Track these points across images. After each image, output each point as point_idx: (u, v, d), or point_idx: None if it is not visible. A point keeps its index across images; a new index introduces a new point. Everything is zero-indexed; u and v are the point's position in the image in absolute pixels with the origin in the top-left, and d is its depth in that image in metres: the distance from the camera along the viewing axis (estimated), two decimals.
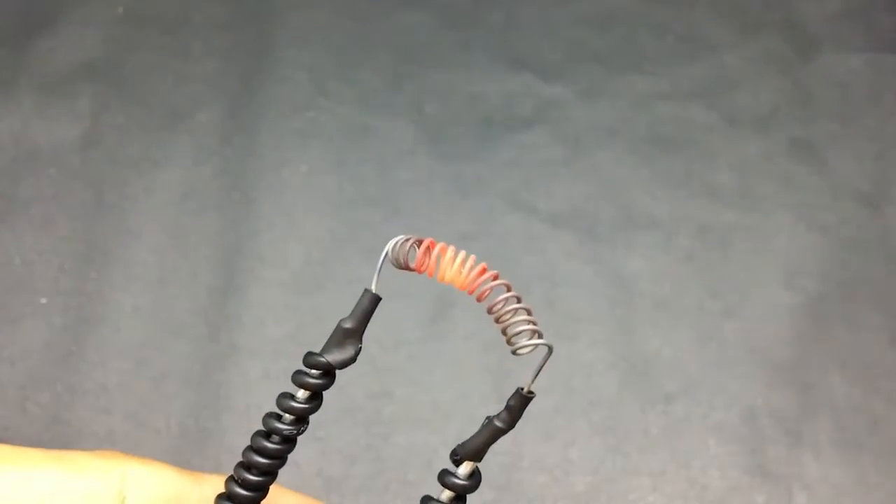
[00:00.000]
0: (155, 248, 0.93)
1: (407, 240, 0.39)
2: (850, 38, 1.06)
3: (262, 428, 0.42)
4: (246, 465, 0.42)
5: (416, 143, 1.00)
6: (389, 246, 0.38)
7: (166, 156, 0.98)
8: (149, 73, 1.03)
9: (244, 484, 0.41)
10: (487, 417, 0.40)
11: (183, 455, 0.83)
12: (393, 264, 0.39)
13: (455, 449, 0.41)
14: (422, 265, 0.39)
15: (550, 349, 0.38)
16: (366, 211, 0.95)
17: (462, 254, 0.38)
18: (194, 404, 0.85)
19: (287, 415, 0.41)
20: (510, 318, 0.38)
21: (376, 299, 0.40)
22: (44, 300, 0.90)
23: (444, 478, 0.41)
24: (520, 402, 0.40)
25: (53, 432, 0.83)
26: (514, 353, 0.39)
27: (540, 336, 0.38)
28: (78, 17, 1.06)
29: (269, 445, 0.42)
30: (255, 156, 0.98)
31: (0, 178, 0.96)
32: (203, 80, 1.03)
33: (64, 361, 0.87)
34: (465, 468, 0.41)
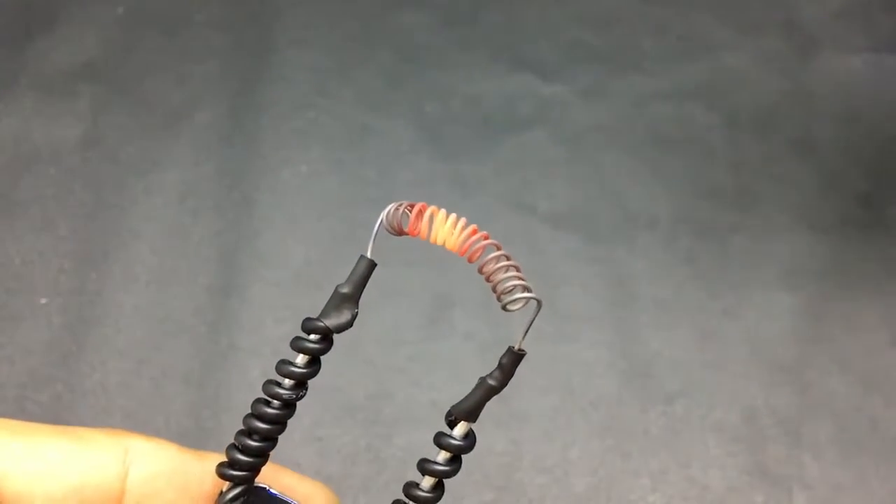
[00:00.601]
0: (155, 248, 0.93)
1: (399, 205, 0.39)
2: (850, 38, 1.07)
3: (262, 396, 0.42)
4: (247, 432, 0.42)
5: (416, 143, 1.00)
6: (384, 213, 0.39)
7: (166, 156, 0.98)
8: (149, 73, 1.04)
9: (245, 450, 0.42)
10: (480, 378, 0.40)
11: None
12: (388, 231, 0.40)
13: (450, 410, 0.41)
14: (415, 229, 0.39)
15: (539, 303, 0.39)
16: (366, 211, 0.96)
17: (453, 216, 0.39)
18: (194, 404, 0.85)
19: (287, 380, 0.41)
20: (500, 275, 0.39)
21: (372, 265, 0.40)
22: (44, 300, 0.90)
23: (439, 439, 0.40)
24: (511, 359, 0.40)
25: None
26: (504, 308, 0.39)
27: (529, 291, 0.38)
28: (78, 17, 1.06)
29: (269, 411, 0.41)
30: (255, 156, 0.99)
31: (0, 177, 0.96)
32: (203, 80, 1.03)
33: (64, 361, 0.86)
34: (460, 429, 0.41)
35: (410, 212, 0.39)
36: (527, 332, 0.39)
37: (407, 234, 0.39)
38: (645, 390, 0.87)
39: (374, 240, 0.40)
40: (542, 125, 1.02)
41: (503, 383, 0.40)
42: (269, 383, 0.41)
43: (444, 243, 0.39)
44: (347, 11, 1.09)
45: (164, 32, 1.06)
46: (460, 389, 0.83)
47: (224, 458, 0.44)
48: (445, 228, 0.39)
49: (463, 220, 0.38)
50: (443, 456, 0.42)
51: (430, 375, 0.87)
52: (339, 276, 0.90)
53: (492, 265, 0.38)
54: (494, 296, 0.38)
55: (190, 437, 0.83)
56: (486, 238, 0.39)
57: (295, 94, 1.03)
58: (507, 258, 0.39)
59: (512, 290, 0.38)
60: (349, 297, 0.40)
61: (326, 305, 0.41)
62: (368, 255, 0.40)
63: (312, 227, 0.95)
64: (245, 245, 0.94)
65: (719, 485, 0.83)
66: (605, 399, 0.87)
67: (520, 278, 0.39)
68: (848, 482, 0.83)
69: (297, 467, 0.77)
